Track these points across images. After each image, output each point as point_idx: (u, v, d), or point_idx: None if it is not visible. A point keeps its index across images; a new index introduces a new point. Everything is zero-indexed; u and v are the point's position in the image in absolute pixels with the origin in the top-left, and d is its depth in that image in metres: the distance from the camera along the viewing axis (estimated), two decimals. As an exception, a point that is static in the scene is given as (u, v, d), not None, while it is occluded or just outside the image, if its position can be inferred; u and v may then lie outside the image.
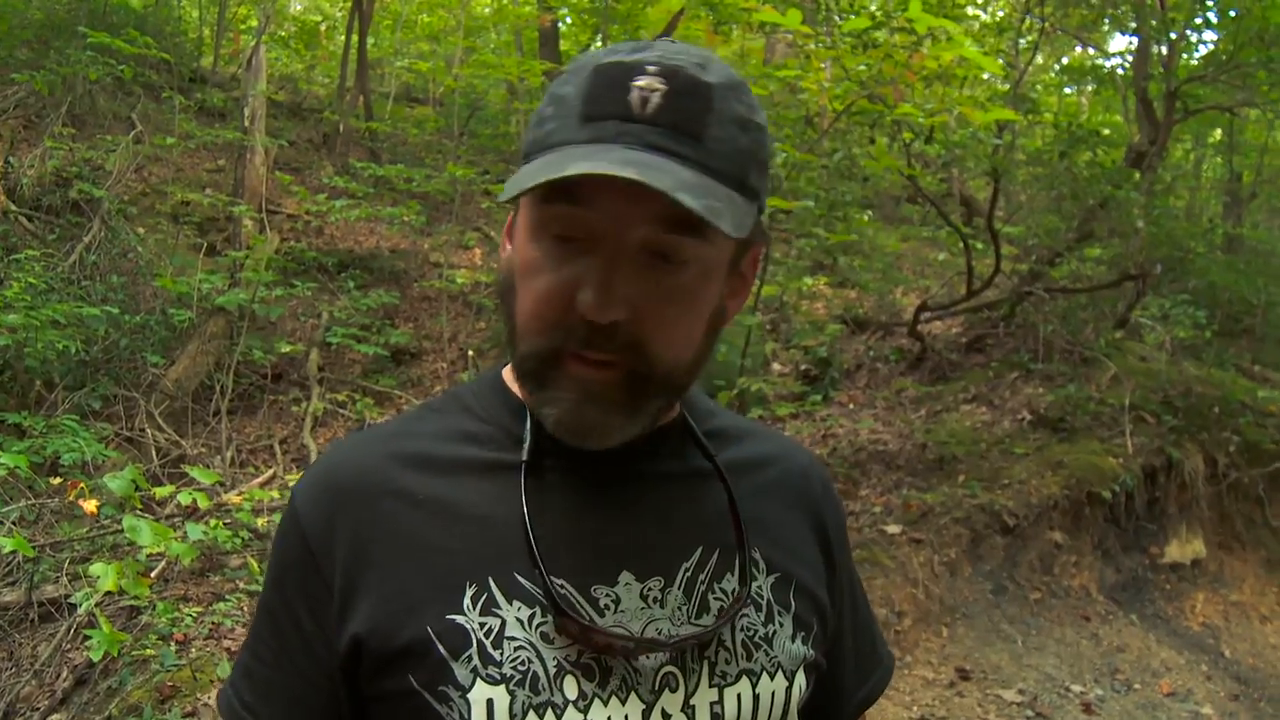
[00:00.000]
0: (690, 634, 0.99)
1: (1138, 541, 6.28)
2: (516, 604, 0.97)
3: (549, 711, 0.96)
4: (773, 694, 1.02)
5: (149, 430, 6.96)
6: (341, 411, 7.59)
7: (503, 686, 0.95)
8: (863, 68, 5.94)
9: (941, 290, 8.91)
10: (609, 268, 0.92)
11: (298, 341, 8.14)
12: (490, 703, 0.95)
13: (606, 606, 0.99)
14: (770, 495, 1.11)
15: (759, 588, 1.04)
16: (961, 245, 7.74)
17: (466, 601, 0.97)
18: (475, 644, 0.96)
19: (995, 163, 7.01)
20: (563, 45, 13.09)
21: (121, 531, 5.63)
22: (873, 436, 7.16)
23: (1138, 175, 7.58)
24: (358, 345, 7.94)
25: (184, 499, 4.94)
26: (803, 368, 8.37)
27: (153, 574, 5.22)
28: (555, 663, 0.97)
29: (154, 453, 6.75)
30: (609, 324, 0.93)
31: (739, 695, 1.01)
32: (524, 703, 0.95)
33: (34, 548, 4.82)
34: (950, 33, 5.69)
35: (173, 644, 4.52)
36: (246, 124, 9.22)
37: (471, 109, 12.19)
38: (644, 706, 0.97)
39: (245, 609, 4.86)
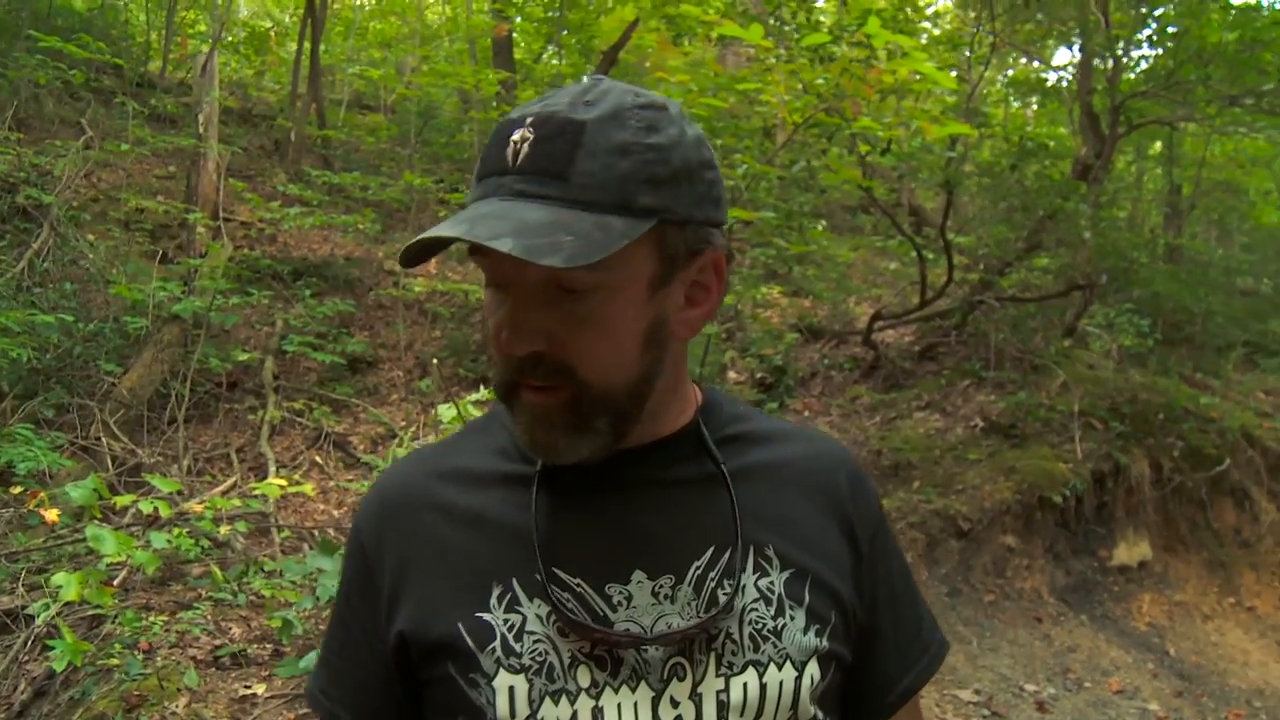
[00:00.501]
0: (685, 627, 1.06)
1: (1087, 545, 6.44)
2: (537, 602, 1.08)
3: (563, 698, 1.06)
4: (780, 683, 1.08)
5: (104, 439, 6.89)
6: (298, 420, 7.57)
7: (523, 675, 1.06)
8: (821, 81, 6.05)
9: (895, 299, 9.06)
10: (516, 307, 1.02)
11: (253, 349, 8.10)
12: (511, 689, 1.06)
13: (620, 603, 1.08)
14: (792, 493, 1.16)
15: (770, 583, 1.10)
16: (914, 255, 7.89)
17: (493, 601, 1.09)
18: (499, 638, 1.07)
19: (949, 174, 7.16)
20: (516, 54, 13.12)
21: (79, 541, 5.59)
22: (828, 443, 7.28)
23: (1084, 187, 7.78)
24: (314, 353, 7.91)
25: (145, 507, 4.90)
26: (759, 376, 8.47)
27: (114, 583, 5.19)
28: (569, 654, 1.07)
29: (110, 462, 6.68)
30: (531, 355, 1.02)
31: (745, 684, 1.07)
32: (540, 689, 1.06)
33: (-6, 558, 4.76)
34: (905, 48, 5.82)
35: (138, 653, 4.49)
36: (201, 130, 9.15)
37: (425, 117, 12.18)
38: (653, 694, 1.06)
39: (210, 618, 4.85)
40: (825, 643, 1.12)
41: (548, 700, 1.06)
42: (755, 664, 1.08)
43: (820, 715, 1.12)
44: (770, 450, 1.18)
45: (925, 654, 1.25)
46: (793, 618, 1.10)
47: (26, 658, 4.87)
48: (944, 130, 5.80)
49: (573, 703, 1.06)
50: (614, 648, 1.07)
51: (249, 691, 4.38)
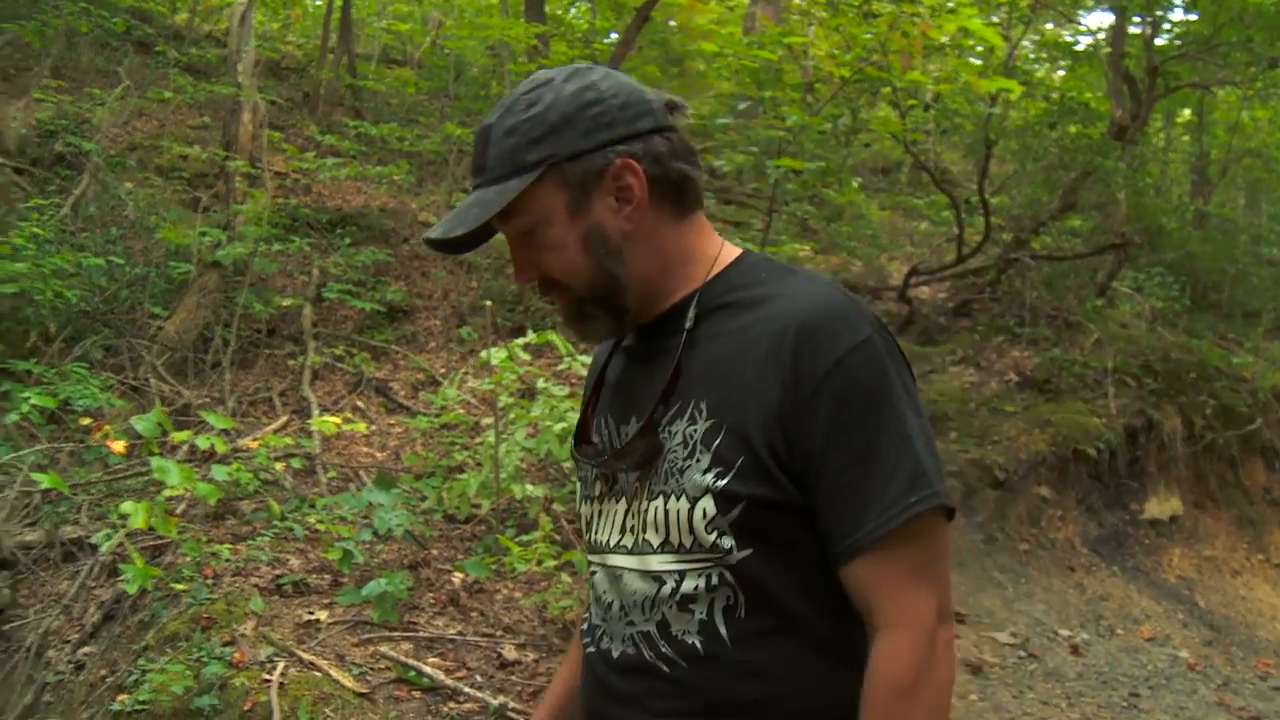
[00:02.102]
0: (604, 456, 1.48)
1: (1119, 498, 6.54)
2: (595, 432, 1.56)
3: (586, 501, 1.55)
4: (677, 512, 1.35)
5: (152, 380, 7.01)
6: (339, 365, 7.68)
7: (580, 481, 1.59)
8: (869, 36, 6.10)
9: (930, 256, 9.13)
10: (513, 253, 1.45)
11: (291, 297, 8.19)
12: (577, 485, 1.61)
13: (626, 436, 1.47)
14: (747, 352, 1.34)
15: (693, 431, 1.35)
16: (947, 213, 7.94)
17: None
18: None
19: (990, 131, 7.21)
20: (548, 7, 13.11)
21: (140, 474, 5.73)
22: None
23: (1119, 148, 7.82)
24: (354, 301, 8.01)
25: (203, 443, 5.03)
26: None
27: (175, 513, 5.31)
28: (594, 471, 1.51)
29: (158, 402, 6.79)
30: (532, 283, 1.44)
31: (654, 508, 1.38)
32: (581, 492, 1.58)
33: (64, 484, 4.89)
34: (953, 4, 5.87)
35: (205, 579, 4.63)
36: (239, 79, 9.20)
37: (456, 71, 12.21)
38: (626, 506, 1.44)
39: (269, 549, 4.98)
40: (722, 483, 1.31)
41: (584, 500, 1.56)
42: (662, 494, 1.37)
43: (721, 540, 1.32)
44: (751, 314, 1.37)
45: (884, 511, 1.27)
46: (698, 460, 1.33)
47: (94, 584, 5.01)
48: (991, 85, 5.85)
49: (590, 504, 1.53)
50: (608, 469, 1.47)
51: (312, 618, 4.52)
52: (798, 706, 1.34)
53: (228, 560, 4.68)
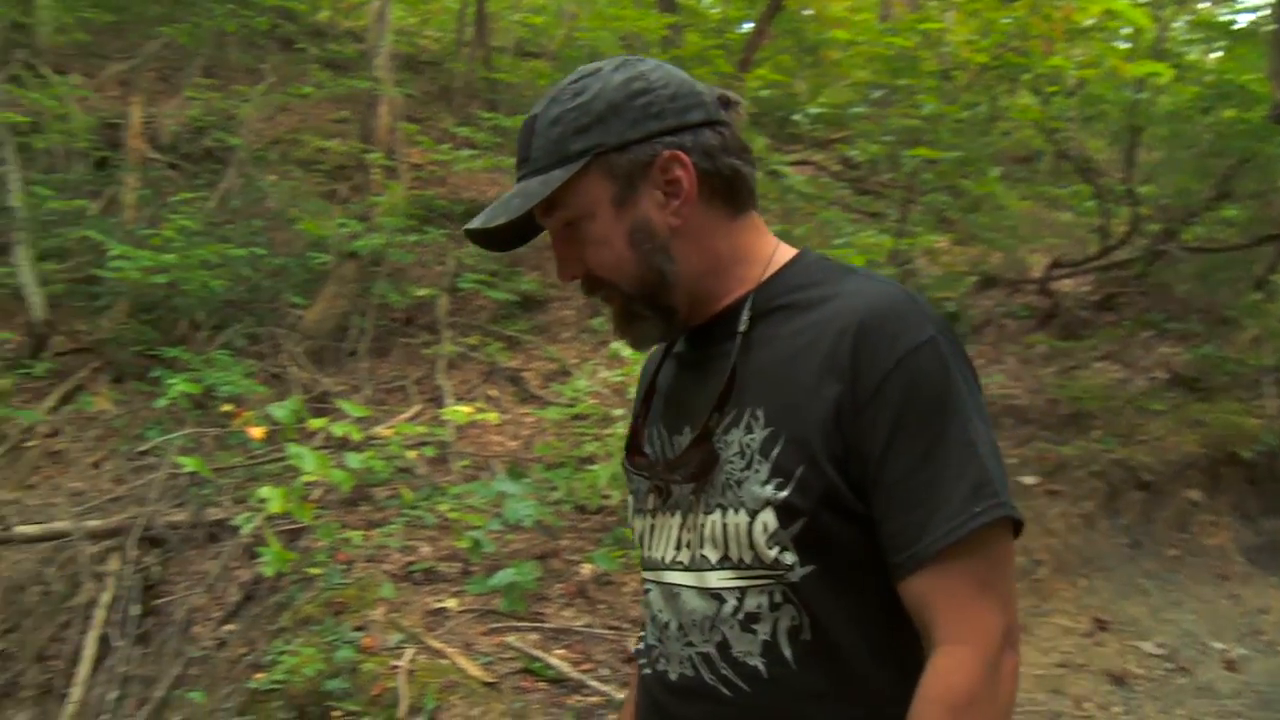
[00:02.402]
0: (656, 468, 1.42)
1: (1277, 504, 6.19)
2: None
3: (639, 515, 1.48)
4: (737, 525, 1.29)
5: (291, 367, 7.22)
6: (472, 355, 7.78)
7: (632, 495, 1.52)
8: (1008, 21, 5.89)
9: (1072, 248, 8.80)
10: (556, 248, 1.38)
11: (427, 286, 8.34)
12: (629, 499, 1.54)
13: (678, 446, 1.41)
14: (802, 356, 1.28)
15: (750, 440, 1.28)
16: (1092, 203, 7.63)
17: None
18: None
19: (1138, 117, 6.90)
20: (680, -1, 13.06)
21: (278, 460, 5.89)
22: (1002, 391, 7.14)
23: (1281, 134, 7.39)
24: (488, 290, 8.11)
25: (338, 431, 5.14)
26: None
27: (310, 499, 5.45)
28: (647, 484, 1.44)
29: (298, 389, 6.99)
30: (577, 280, 1.37)
31: (712, 523, 1.32)
32: (633, 505, 1.50)
33: (206, 467, 5.05)
34: (1100, -16, 5.62)
35: (338, 564, 4.73)
36: (376, 74, 9.40)
37: (590, 62, 12.24)
38: (681, 520, 1.37)
39: (401, 534, 5.06)
40: (783, 494, 1.25)
41: (636, 514, 1.49)
42: (720, 507, 1.31)
43: (783, 556, 1.26)
44: (808, 316, 1.31)
45: (948, 521, 1.20)
46: (756, 471, 1.27)
47: (235, 564, 5.18)
48: (1139, 69, 5.59)
49: (643, 518, 1.46)
50: (661, 481, 1.41)
51: (440, 605, 4.58)
52: None
53: (360, 546, 4.76)
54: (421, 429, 6.04)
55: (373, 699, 3.77)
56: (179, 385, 5.14)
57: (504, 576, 4.53)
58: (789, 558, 1.25)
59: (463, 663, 3.99)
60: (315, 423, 5.44)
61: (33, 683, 5.51)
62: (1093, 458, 5.86)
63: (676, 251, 1.34)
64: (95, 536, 5.39)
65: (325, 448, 5.93)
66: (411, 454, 5.76)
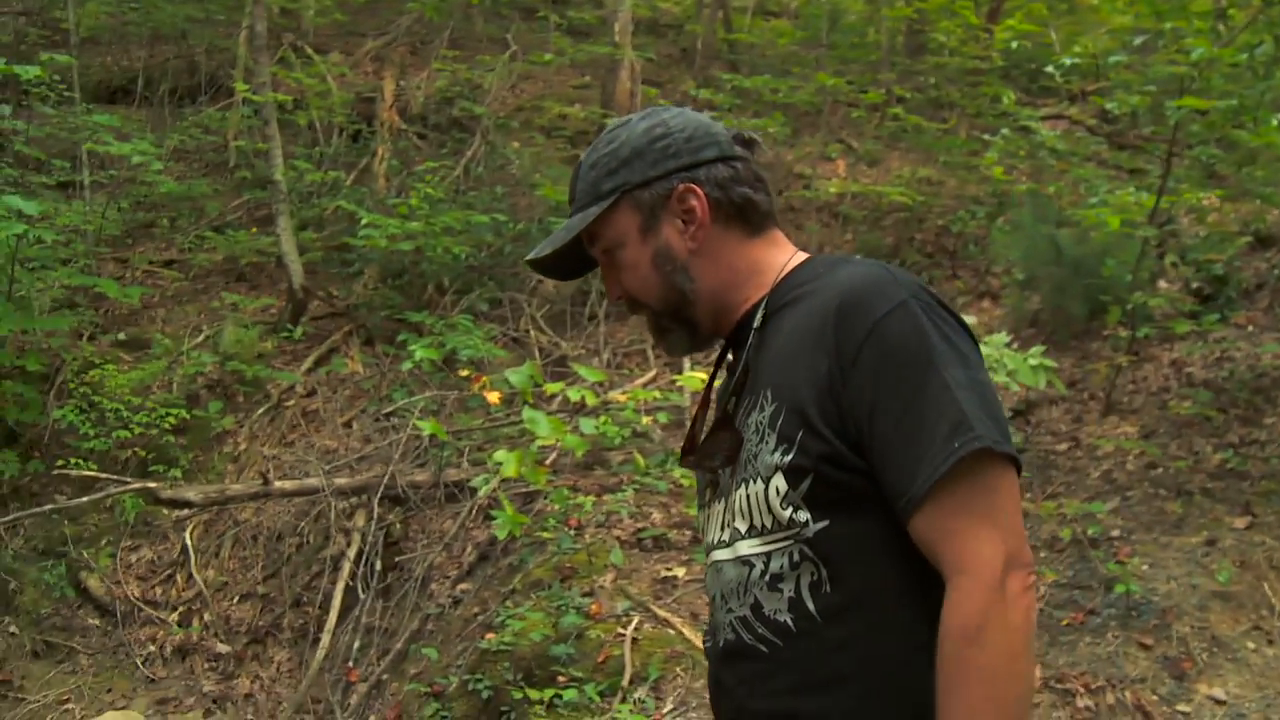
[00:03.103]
0: (697, 452, 1.58)
1: None
2: None
3: (701, 509, 1.63)
4: (755, 494, 1.44)
5: (532, 331, 7.31)
6: (708, 320, 7.67)
7: (698, 492, 1.68)
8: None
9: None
10: (603, 273, 1.62)
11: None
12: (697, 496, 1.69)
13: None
14: (793, 338, 1.45)
15: (762, 418, 1.44)
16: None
17: None
18: None
19: None
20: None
21: (515, 423, 5.95)
22: (1278, 361, 6.45)
23: None
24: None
25: (573, 395, 5.12)
26: (1194, 285, 7.64)
27: (545, 463, 5.48)
28: (705, 479, 1.60)
29: (537, 352, 7.08)
30: (619, 300, 1.60)
31: (740, 496, 1.47)
32: (699, 501, 1.66)
33: (444, 431, 5.15)
34: None
35: (569, 529, 4.72)
36: (616, 39, 9.39)
37: (832, 19, 11.88)
38: (724, 503, 1.52)
39: (633, 502, 5.01)
40: (788, 458, 1.39)
41: (698, 510, 1.65)
42: (744, 480, 1.46)
43: (797, 515, 1.39)
44: (805, 304, 1.47)
45: (930, 460, 1.31)
46: (767, 442, 1.42)
47: (472, 525, 5.27)
48: None
49: (702, 512, 1.61)
50: (699, 469, 1.60)
51: (669, 573, 4.49)
52: (892, 674, 1.38)
53: (590, 513, 4.73)
54: (657, 394, 5.97)
55: (597, 665, 3.72)
56: (420, 351, 5.25)
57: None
58: (802, 515, 1.39)
59: (689, 633, 3.89)
60: (551, 387, 5.45)
61: (290, 625, 5.83)
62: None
63: (695, 271, 1.55)
64: (343, 493, 5.60)
65: (561, 412, 5.96)
66: (646, 420, 5.70)
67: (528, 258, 1.64)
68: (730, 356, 1.64)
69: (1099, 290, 6.84)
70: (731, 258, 1.56)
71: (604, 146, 1.57)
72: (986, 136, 7.98)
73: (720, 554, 1.53)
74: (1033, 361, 4.93)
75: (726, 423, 1.51)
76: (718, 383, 1.70)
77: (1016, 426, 6.11)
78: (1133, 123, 9.49)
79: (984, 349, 4.88)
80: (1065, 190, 8.12)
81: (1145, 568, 4.21)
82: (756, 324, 1.52)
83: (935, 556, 1.34)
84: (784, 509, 1.40)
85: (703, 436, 1.59)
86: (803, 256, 1.58)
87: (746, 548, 1.47)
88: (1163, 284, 7.87)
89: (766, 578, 1.44)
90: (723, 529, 1.52)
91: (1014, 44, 9.39)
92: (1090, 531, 4.52)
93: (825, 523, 1.39)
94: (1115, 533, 4.53)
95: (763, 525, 1.44)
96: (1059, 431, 5.99)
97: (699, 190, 1.53)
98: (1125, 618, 3.93)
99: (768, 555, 1.44)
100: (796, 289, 1.51)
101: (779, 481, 1.40)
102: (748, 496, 1.46)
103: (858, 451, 1.37)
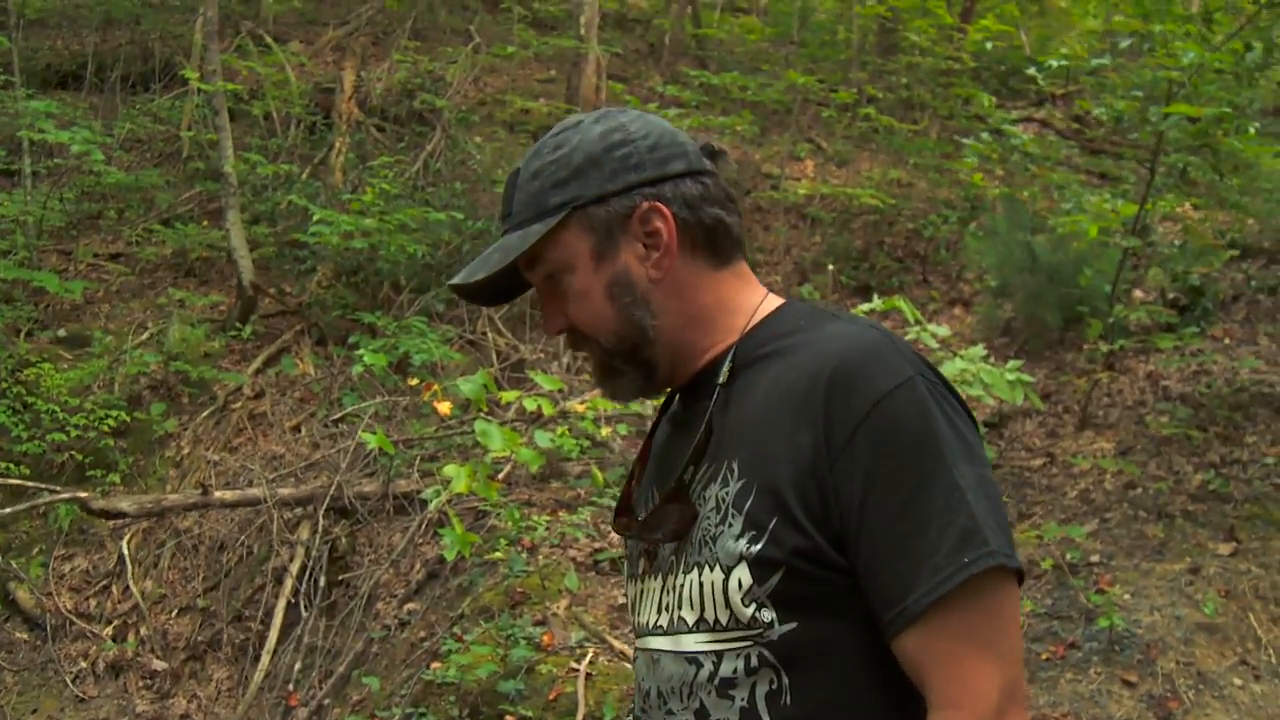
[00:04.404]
0: (642, 523, 1.32)
1: None
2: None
3: (630, 580, 1.41)
4: (712, 583, 1.22)
5: (490, 334, 7.06)
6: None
7: (626, 559, 1.46)
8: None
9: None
10: (541, 302, 1.36)
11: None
12: (625, 563, 1.47)
13: None
14: (779, 404, 1.22)
15: (725, 494, 1.23)
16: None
17: None
18: None
19: None
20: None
21: (468, 433, 5.70)
22: (1256, 377, 6.30)
23: None
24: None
25: (529, 404, 4.88)
26: (1170, 296, 7.50)
27: (499, 476, 5.24)
28: (638, 547, 1.38)
29: (494, 356, 6.83)
30: (561, 334, 1.35)
31: (690, 581, 1.25)
32: (627, 570, 1.44)
33: (390, 444, 4.89)
34: None
35: (522, 550, 4.48)
36: (582, 32, 9.15)
37: (801, 17, 11.70)
38: (662, 583, 1.31)
39: (590, 521, 4.77)
40: (756, 548, 1.18)
41: (631, 579, 1.41)
42: (697, 565, 1.25)
43: (760, 614, 1.18)
44: (784, 362, 1.26)
45: (935, 573, 1.13)
46: (730, 525, 1.21)
47: (421, 540, 5.01)
48: None
49: (634, 582, 1.39)
50: (641, 539, 1.35)
51: (626, 600, 4.26)
52: None
53: (544, 535, 4.49)
54: (636, 404, 5.74)
55: (548, 703, 3.48)
56: (367, 357, 4.99)
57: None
58: (766, 615, 1.19)
59: (647, 667, 3.66)
60: (506, 396, 5.22)
61: (231, 641, 5.55)
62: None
63: (656, 305, 1.32)
64: (287, 504, 5.33)
65: (518, 420, 5.72)
66: (605, 430, 5.46)
67: (451, 281, 1.38)
68: (679, 407, 1.41)
69: (1074, 300, 6.68)
70: (697, 292, 1.33)
71: (549, 153, 1.32)
72: (959, 139, 7.81)
73: (657, 642, 1.32)
74: (1010, 376, 4.73)
75: (680, 494, 1.28)
76: (659, 436, 1.46)
77: (989, 440, 5.93)
78: (1115, 128, 9.37)
79: (959, 362, 4.72)
80: (1039, 196, 7.96)
81: (1127, 597, 4.01)
82: (722, 379, 1.29)
83: (922, 681, 1.17)
84: (745, 606, 1.20)
85: (640, 497, 1.40)
86: (776, 301, 1.36)
87: (694, 643, 1.26)
88: (1138, 294, 7.74)
89: (716, 681, 1.24)
90: (660, 612, 1.31)
91: (988, 44, 9.24)
92: (1069, 556, 4.33)
93: (792, 625, 1.19)
94: (1095, 558, 4.34)
95: (716, 620, 1.23)
96: (1033, 446, 5.81)
97: (665, 210, 1.30)
98: (1108, 652, 3.73)
99: (719, 655, 1.24)
100: (771, 341, 1.30)
101: (742, 573, 1.20)
102: (700, 584, 1.24)
103: (839, 546, 1.18)
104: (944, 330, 4.78)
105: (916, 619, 1.13)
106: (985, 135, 7.44)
